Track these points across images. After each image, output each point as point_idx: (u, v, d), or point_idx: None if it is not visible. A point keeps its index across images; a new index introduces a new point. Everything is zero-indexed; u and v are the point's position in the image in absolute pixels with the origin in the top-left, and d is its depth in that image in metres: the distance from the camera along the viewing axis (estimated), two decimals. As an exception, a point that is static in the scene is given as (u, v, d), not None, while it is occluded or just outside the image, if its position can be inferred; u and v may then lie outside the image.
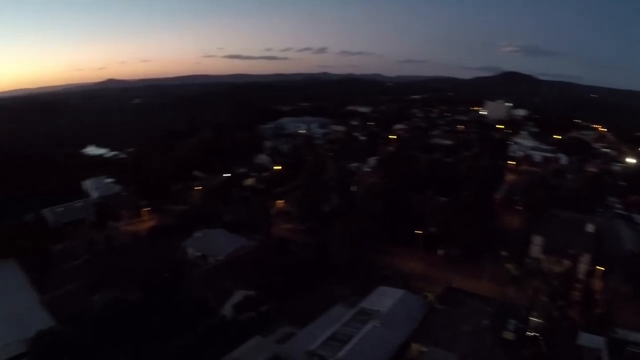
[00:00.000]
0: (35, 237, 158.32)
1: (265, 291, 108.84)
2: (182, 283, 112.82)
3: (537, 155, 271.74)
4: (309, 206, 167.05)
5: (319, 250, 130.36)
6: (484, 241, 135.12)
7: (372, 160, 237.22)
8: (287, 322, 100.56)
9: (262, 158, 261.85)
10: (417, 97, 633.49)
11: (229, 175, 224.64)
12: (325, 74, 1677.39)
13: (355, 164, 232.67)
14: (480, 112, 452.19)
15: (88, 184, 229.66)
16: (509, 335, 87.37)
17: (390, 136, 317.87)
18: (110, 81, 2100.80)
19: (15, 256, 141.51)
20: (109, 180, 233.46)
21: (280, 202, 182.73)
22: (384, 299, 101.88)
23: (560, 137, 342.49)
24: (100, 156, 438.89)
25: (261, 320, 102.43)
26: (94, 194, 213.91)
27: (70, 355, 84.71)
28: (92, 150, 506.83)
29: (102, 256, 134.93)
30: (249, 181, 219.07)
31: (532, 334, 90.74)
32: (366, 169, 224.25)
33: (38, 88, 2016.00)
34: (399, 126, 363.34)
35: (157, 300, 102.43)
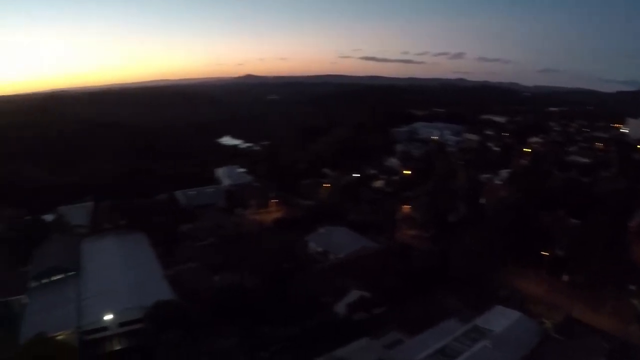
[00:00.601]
0: (167, 215, 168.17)
1: (380, 294, 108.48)
2: (301, 276, 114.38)
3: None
4: (435, 214, 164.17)
5: (440, 259, 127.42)
6: (614, 271, 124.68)
7: (504, 173, 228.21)
8: (398, 328, 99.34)
9: (393, 161, 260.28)
10: (554, 109, 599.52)
11: (358, 175, 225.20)
12: (461, 80, 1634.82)
13: (487, 175, 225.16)
14: (621, 130, 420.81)
15: (221, 172, 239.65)
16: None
17: (524, 149, 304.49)
18: (249, 77, 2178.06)
19: (146, 231, 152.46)
20: (241, 169, 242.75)
21: (406, 207, 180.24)
22: (499, 319, 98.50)
23: None
24: (234, 146, 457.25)
25: (372, 322, 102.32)
26: (226, 181, 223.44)
27: (183, 327, 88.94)
28: (227, 140, 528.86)
29: (227, 240, 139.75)
30: (378, 183, 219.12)
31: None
32: (497, 182, 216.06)
33: (181, 79, 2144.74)
34: (534, 139, 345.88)
35: (274, 289, 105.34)
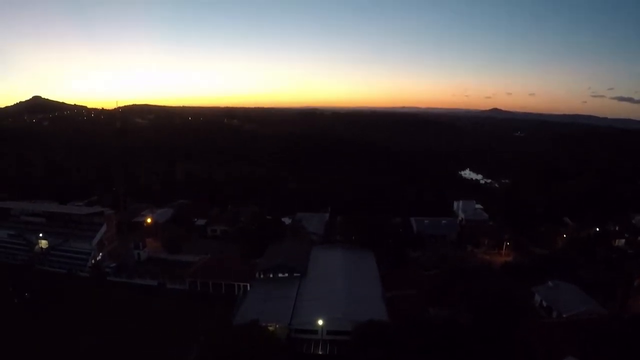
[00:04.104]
0: (398, 238, 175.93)
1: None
2: (519, 326, 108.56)
3: None
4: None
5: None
6: None
7: None
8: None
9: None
10: None
11: (598, 229, 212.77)
12: None
13: None
14: None
15: (457, 205, 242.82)
16: None
17: None
18: (495, 110, 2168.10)
19: (376, 249, 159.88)
20: (478, 206, 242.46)
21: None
22: None
23: None
24: (474, 181, 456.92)
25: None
26: (461, 215, 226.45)
27: (386, 348, 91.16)
28: (467, 173, 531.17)
29: (452, 274, 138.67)
30: (619, 242, 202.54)
31: None
32: None
33: (429, 107, 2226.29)
34: None
35: (488, 333, 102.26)
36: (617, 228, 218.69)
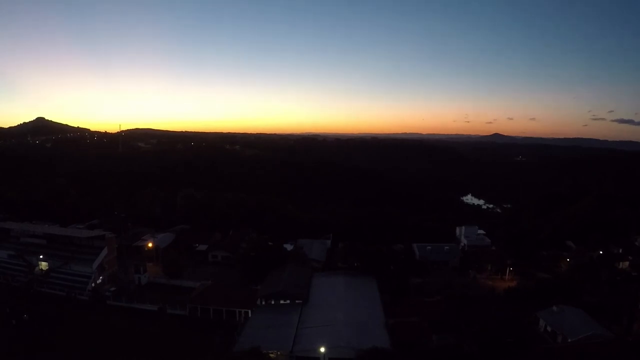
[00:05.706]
0: (400, 265, 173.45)
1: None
2: (524, 353, 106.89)
3: None
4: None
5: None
6: None
7: None
8: None
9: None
10: None
11: (602, 252, 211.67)
12: None
13: None
14: None
15: (459, 231, 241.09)
16: None
17: None
18: (496, 135, 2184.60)
19: (378, 276, 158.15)
20: (480, 231, 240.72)
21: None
22: None
23: None
24: (476, 206, 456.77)
25: None
26: (463, 241, 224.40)
27: None
28: (469, 198, 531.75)
29: (455, 301, 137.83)
30: (623, 264, 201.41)
31: None
32: None
33: (430, 134, 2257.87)
34: None
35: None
36: (620, 250, 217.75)
